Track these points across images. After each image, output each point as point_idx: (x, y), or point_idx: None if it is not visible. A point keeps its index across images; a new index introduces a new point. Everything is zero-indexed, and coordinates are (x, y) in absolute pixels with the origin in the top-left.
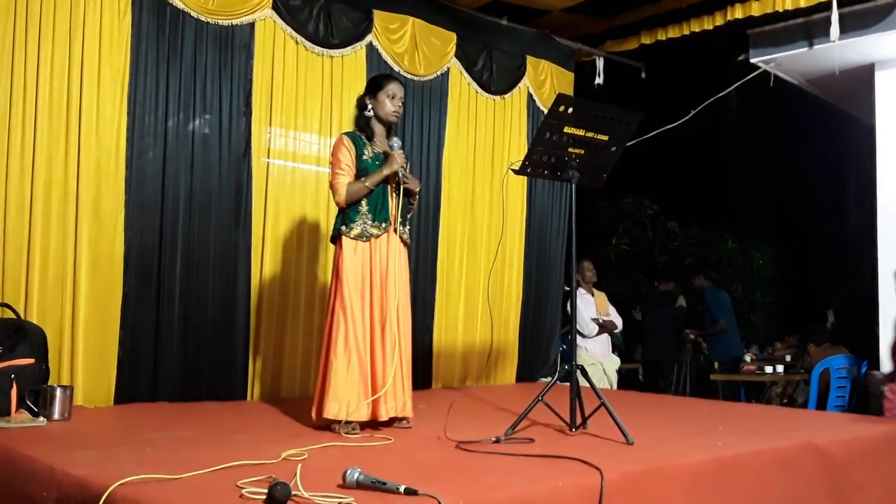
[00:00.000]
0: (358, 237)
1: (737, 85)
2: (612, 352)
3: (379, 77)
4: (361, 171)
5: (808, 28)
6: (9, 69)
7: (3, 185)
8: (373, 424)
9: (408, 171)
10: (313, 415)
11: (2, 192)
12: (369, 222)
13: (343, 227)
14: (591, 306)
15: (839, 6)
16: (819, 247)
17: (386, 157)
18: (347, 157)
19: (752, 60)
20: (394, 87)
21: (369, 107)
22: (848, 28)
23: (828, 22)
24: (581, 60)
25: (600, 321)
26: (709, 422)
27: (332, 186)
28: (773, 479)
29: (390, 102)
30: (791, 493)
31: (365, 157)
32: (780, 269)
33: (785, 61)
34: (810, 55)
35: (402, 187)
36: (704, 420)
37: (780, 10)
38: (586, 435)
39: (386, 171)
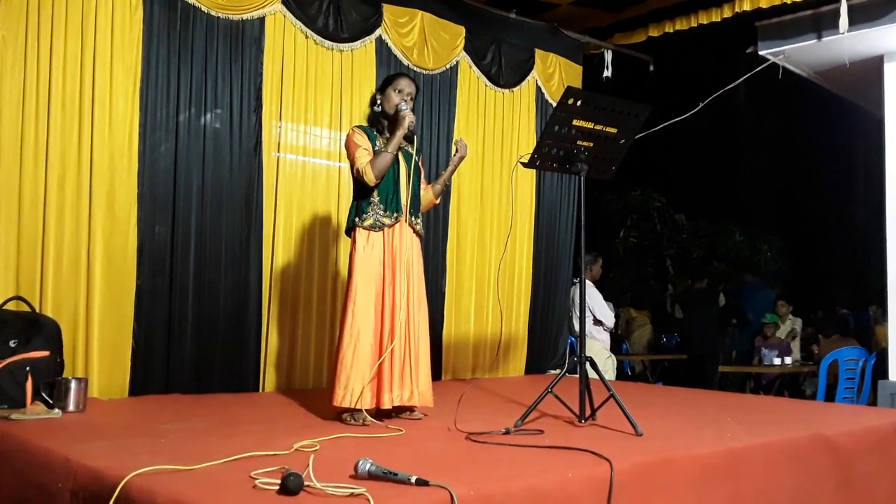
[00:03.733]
0: (370, 227)
1: (745, 77)
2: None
3: (391, 74)
4: None
5: (817, 20)
6: (22, 64)
7: (18, 179)
8: (384, 414)
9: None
10: (328, 403)
11: (16, 187)
12: (381, 212)
13: (356, 219)
14: (604, 298)
15: None
16: (827, 239)
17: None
18: (364, 140)
19: (761, 53)
20: (402, 83)
21: (378, 101)
22: (857, 20)
23: (836, 14)
24: (589, 53)
25: (616, 312)
26: (717, 413)
27: (357, 172)
28: (781, 471)
29: (395, 95)
30: (800, 484)
31: (377, 149)
32: (787, 261)
33: (793, 53)
34: (819, 47)
35: (417, 175)
36: (713, 411)
37: (789, 1)
38: (595, 426)
39: (399, 132)
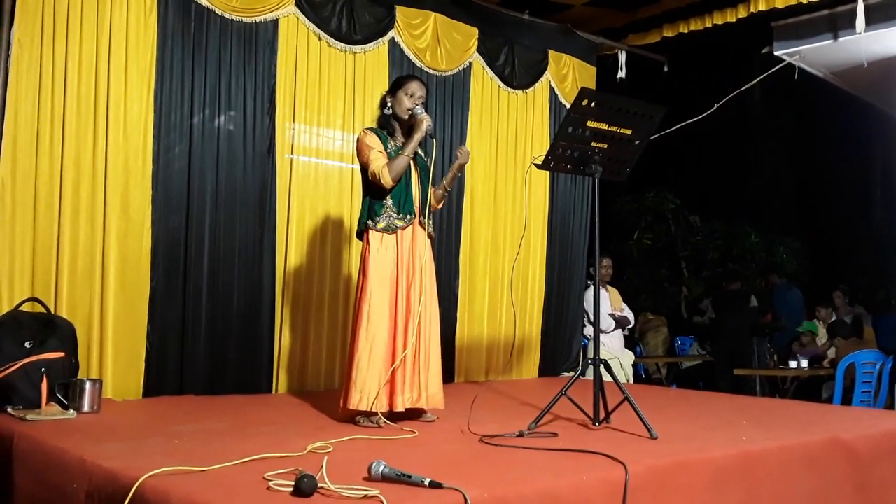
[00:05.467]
0: (384, 230)
1: (760, 78)
2: (626, 347)
3: (401, 77)
4: None
5: (833, 20)
6: (37, 67)
7: (33, 181)
8: (397, 417)
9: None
10: (340, 406)
11: (32, 189)
12: (394, 214)
13: (369, 221)
14: (605, 301)
15: None
16: (843, 240)
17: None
18: (376, 142)
19: (777, 53)
20: (414, 86)
21: (389, 104)
22: (874, 20)
23: (853, 14)
24: (603, 54)
25: (616, 316)
26: (732, 416)
27: (373, 175)
28: (798, 475)
29: (408, 100)
30: (816, 488)
31: (389, 151)
32: (803, 263)
33: (809, 54)
34: (835, 48)
35: (429, 177)
36: (728, 414)
37: (805, 1)
38: (609, 429)
39: (417, 135)
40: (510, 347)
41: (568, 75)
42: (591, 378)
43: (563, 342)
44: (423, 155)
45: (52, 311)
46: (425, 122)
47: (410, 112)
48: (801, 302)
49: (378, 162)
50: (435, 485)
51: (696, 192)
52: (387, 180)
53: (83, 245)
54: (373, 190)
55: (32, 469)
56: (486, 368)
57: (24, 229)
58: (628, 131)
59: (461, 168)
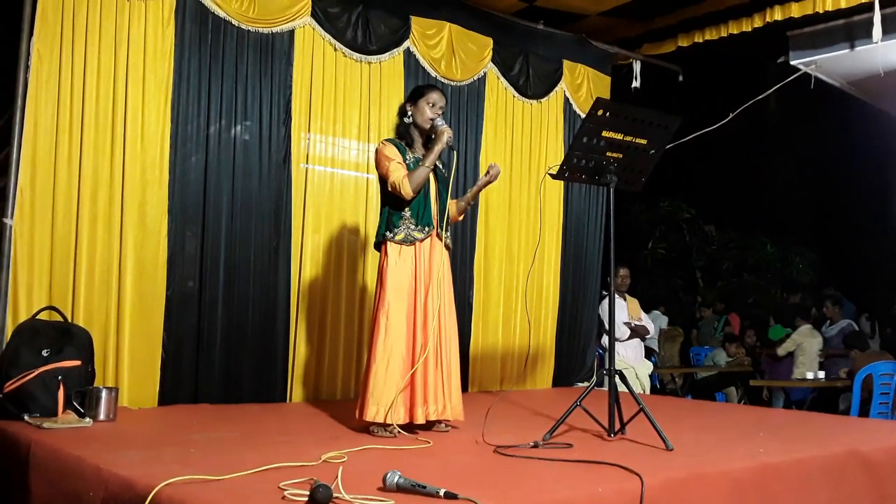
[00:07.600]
0: (402, 241)
1: (776, 87)
2: (646, 357)
3: (421, 86)
4: None
5: (850, 29)
6: (56, 78)
7: (52, 191)
8: (412, 427)
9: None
10: (356, 417)
11: (50, 198)
12: (412, 226)
13: (387, 233)
14: (622, 311)
15: (882, 7)
16: (860, 251)
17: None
18: (396, 153)
19: (792, 62)
20: (434, 96)
21: (409, 113)
22: (890, 29)
23: (870, 23)
24: (618, 64)
25: (632, 325)
26: (750, 428)
27: (393, 186)
28: (816, 488)
29: (429, 110)
30: (835, 501)
31: (408, 163)
32: (819, 273)
33: (826, 63)
34: (852, 57)
35: (447, 189)
36: (745, 426)
37: (821, 11)
38: (625, 440)
39: (438, 147)
40: (524, 357)
41: (582, 85)
42: (607, 388)
43: (577, 352)
44: (441, 167)
45: (69, 320)
46: (446, 134)
47: (431, 122)
48: (853, 315)
49: (398, 173)
50: (450, 495)
51: (710, 201)
52: (407, 191)
53: (100, 254)
54: (391, 201)
55: (49, 477)
56: (501, 378)
57: (42, 238)
58: (643, 141)
59: (487, 185)
